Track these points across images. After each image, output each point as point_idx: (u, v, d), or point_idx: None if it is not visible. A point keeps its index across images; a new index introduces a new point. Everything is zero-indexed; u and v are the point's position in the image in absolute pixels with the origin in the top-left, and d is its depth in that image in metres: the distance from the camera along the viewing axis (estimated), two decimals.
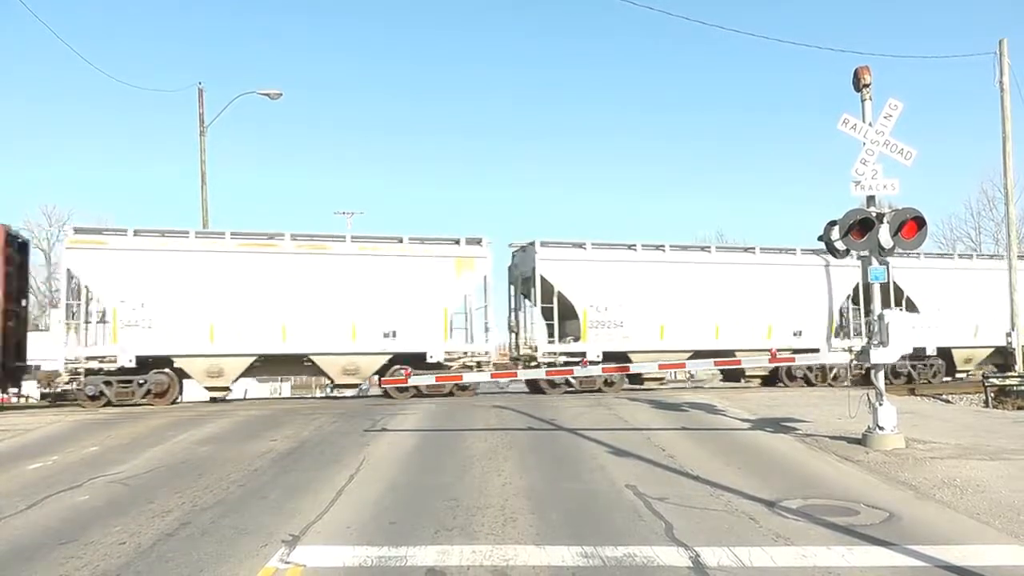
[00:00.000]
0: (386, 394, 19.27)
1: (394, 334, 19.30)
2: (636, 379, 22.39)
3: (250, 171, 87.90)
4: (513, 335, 22.95)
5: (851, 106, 11.63)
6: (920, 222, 10.97)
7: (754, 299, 22.01)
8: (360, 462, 10.04)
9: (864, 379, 23.46)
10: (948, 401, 20.37)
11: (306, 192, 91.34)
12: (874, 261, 11.24)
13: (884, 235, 11.05)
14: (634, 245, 21.82)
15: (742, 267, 22.44)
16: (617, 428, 12.95)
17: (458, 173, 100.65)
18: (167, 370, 18.37)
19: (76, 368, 17.87)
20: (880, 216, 11.11)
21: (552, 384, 20.28)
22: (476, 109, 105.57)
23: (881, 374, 11.06)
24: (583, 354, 20.18)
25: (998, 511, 7.41)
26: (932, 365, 24.09)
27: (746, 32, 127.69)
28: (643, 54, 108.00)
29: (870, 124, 11.34)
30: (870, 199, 11.32)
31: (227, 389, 19.37)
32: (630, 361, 19.36)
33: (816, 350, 21.37)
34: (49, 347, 22.53)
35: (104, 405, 17.80)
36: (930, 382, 23.52)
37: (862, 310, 22.30)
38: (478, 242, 20.36)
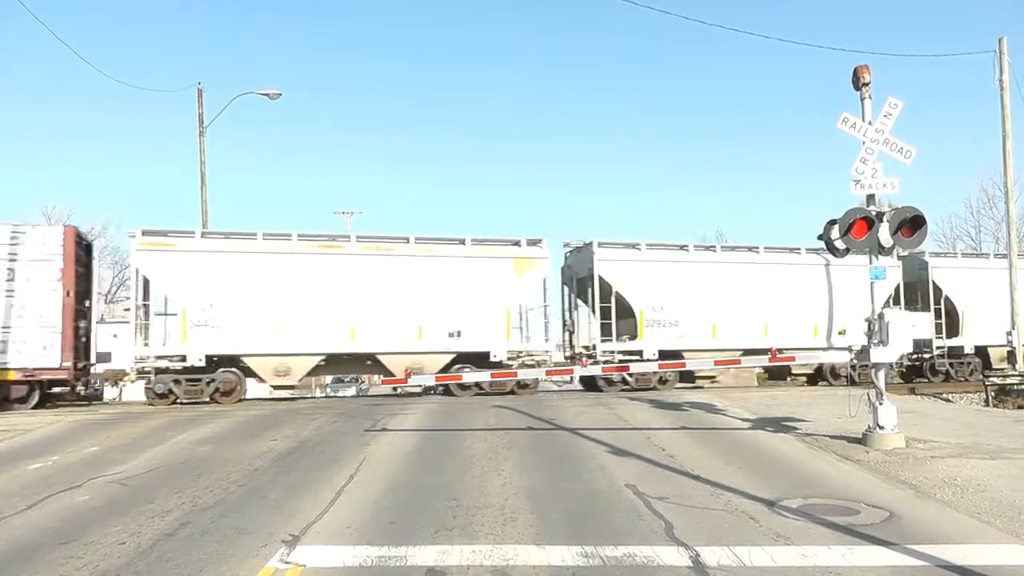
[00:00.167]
0: (447, 391, 20.02)
1: (459, 334, 19.75)
2: (689, 378, 22.60)
3: (250, 171, 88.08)
4: (568, 334, 23.27)
5: (851, 105, 11.64)
6: (920, 221, 10.98)
7: (801, 299, 22.33)
8: (360, 462, 10.04)
9: (906, 374, 23.87)
10: (948, 400, 20.40)
11: (306, 192, 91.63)
12: (873, 259, 11.23)
13: (884, 234, 11.05)
14: (686, 246, 22.50)
15: (789, 267, 22.75)
16: (617, 428, 12.96)
17: (458, 173, 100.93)
18: (234, 369, 18.72)
19: (144, 367, 18.18)
20: (880, 215, 11.11)
21: (609, 382, 20.73)
22: (476, 109, 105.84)
23: (882, 373, 11.03)
24: (640, 352, 20.76)
25: (999, 510, 7.40)
26: (969, 363, 24.35)
27: (746, 32, 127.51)
28: (643, 54, 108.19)
29: (870, 123, 11.33)
30: (870, 198, 11.32)
31: (293, 387, 19.97)
32: (683, 359, 19.61)
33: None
34: (112, 345, 22.98)
35: (172, 403, 18.20)
36: (967, 379, 23.78)
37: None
38: (538, 243, 20.79)
